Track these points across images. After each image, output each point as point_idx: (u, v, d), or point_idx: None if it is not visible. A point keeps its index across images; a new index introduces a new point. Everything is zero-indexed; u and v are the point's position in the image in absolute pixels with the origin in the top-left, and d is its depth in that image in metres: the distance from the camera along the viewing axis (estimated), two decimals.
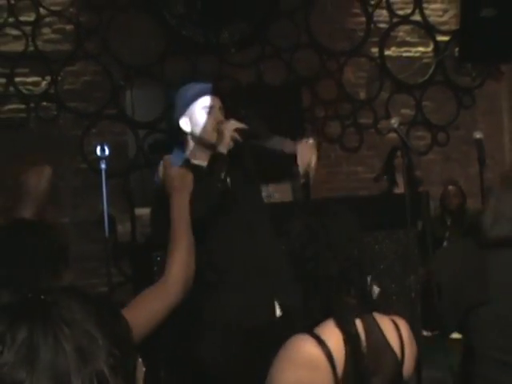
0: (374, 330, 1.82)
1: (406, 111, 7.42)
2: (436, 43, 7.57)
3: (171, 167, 2.06)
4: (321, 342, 1.72)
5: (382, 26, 7.43)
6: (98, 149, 4.76)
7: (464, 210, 6.61)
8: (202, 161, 3.09)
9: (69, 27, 6.71)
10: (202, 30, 6.98)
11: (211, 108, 3.15)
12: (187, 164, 3.03)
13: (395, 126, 4.74)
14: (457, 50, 7.50)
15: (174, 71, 6.87)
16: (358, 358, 1.74)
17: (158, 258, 4.68)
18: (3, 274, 1.67)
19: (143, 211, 5.79)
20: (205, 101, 3.16)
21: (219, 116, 3.15)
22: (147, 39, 6.83)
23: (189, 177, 2.03)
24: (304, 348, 1.73)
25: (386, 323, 1.86)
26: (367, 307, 1.85)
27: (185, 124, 3.19)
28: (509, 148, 7.83)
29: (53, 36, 6.73)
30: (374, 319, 1.84)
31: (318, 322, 1.77)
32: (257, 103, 6.19)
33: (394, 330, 1.87)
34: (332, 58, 7.26)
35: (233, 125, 3.09)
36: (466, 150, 7.12)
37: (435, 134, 7.57)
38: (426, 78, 7.56)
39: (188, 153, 3.17)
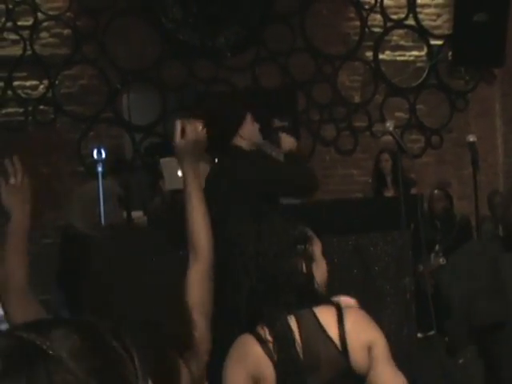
0: (309, 324, 1.89)
1: (400, 114, 7.49)
2: (429, 47, 7.65)
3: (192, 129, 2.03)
4: (261, 340, 1.88)
5: (377, 30, 7.50)
6: (95, 152, 4.80)
7: (451, 213, 6.66)
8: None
9: (66, 31, 6.77)
10: (197, 34, 7.03)
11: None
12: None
13: (390, 129, 4.81)
14: (450, 53, 7.58)
15: (170, 75, 6.94)
16: (288, 352, 1.86)
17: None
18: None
19: (140, 214, 5.86)
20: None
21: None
22: (144, 43, 6.89)
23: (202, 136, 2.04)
24: (248, 346, 1.90)
25: (327, 316, 1.91)
26: (306, 303, 1.92)
27: None
28: (502, 151, 7.90)
29: (50, 40, 6.79)
30: (313, 314, 1.91)
31: (259, 321, 1.92)
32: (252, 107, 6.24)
33: (336, 322, 1.90)
34: (327, 62, 7.33)
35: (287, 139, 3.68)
36: (460, 153, 7.18)
37: (429, 136, 7.64)
38: (419, 81, 7.63)
39: None
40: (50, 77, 6.69)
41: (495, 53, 7.42)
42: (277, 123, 5.65)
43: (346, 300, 2.06)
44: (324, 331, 1.89)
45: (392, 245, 5.23)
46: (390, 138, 4.82)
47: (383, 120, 6.61)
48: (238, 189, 3.40)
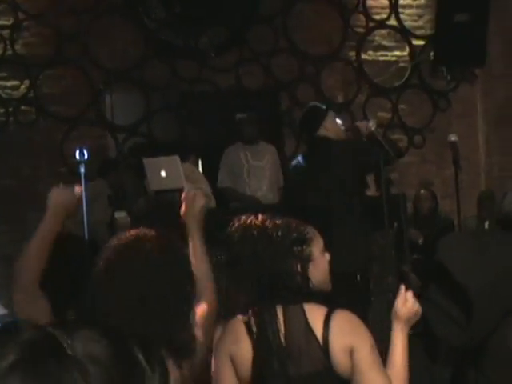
0: (295, 318, 1.97)
1: (383, 114, 7.52)
2: (411, 47, 7.69)
3: (199, 206, 2.27)
4: (247, 322, 2.01)
5: (359, 30, 7.53)
6: (78, 153, 4.78)
7: (436, 213, 6.71)
8: None
9: (48, 31, 6.73)
10: (181, 34, 7.03)
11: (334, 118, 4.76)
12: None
13: (373, 128, 4.85)
14: (432, 54, 7.63)
15: (153, 75, 6.92)
16: (271, 336, 1.96)
17: None
18: None
19: (124, 214, 5.85)
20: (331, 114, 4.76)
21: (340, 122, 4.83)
22: (127, 43, 6.87)
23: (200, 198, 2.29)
24: (232, 326, 2.05)
25: (315, 314, 1.99)
26: (298, 300, 2.00)
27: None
28: (483, 150, 7.96)
29: (32, 40, 6.75)
30: (302, 310, 1.98)
31: (248, 308, 2.04)
32: (236, 107, 6.26)
33: (322, 321, 1.97)
34: (310, 63, 7.35)
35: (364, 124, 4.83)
36: (442, 152, 7.22)
37: (411, 136, 7.68)
38: (402, 81, 7.67)
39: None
40: (31, 77, 6.65)
41: (476, 53, 7.48)
42: (238, 115, 5.87)
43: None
44: (309, 328, 1.96)
45: (375, 245, 5.26)
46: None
47: (366, 120, 6.63)
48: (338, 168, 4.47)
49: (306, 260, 2.04)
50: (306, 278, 2.02)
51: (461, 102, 7.89)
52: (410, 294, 2.01)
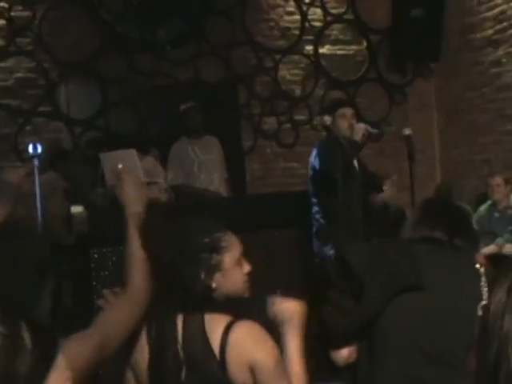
0: (194, 328, 1.87)
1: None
2: (369, 41, 7.76)
3: (135, 184, 2.02)
4: (148, 329, 1.93)
5: (317, 24, 7.57)
6: (31, 147, 4.70)
7: (387, 205, 6.79)
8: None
9: (0, 22, 6.61)
10: (137, 27, 6.96)
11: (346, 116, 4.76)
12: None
13: (328, 122, 4.88)
14: (388, 48, 7.71)
15: (110, 68, 6.85)
16: (165, 349, 1.88)
17: (96, 256, 4.68)
18: None
19: (80, 209, 5.78)
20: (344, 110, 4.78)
21: (352, 121, 4.74)
22: (82, 35, 6.77)
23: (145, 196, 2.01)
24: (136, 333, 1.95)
25: (215, 325, 1.87)
26: (200, 309, 1.90)
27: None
28: (438, 143, 8.08)
29: None
30: (202, 319, 1.88)
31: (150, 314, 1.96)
32: (194, 100, 6.22)
33: (221, 333, 1.85)
34: (268, 56, 7.36)
35: (363, 126, 4.69)
36: (398, 146, 7.28)
37: None
38: (359, 75, 7.74)
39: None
40: None
41: (431, 48, 7.58)
42: (183, 105, 5.85)
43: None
44: (206, 338, 1.85)
45: None
46: None
47: (323, 113, 6.67)
48: None
49: (213, 269, 1.92)
50: (209, 288, 1.91)
51: (417, 96, 8.00)
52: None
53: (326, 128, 4.87)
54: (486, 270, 2.09)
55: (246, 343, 1.84)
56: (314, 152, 4.80)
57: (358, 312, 2.09)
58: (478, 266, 2.11)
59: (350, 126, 4.71)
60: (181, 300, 1.90)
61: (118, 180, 2.05)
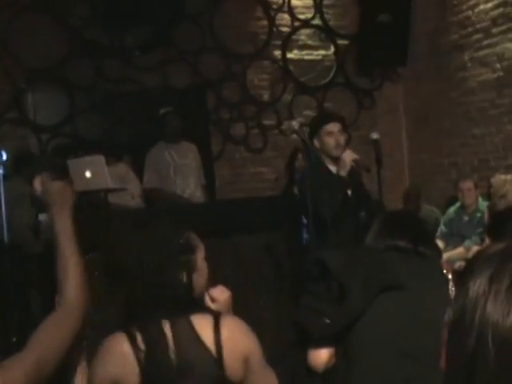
0: (183, 331, 1.86)
1: (309, 112, 7.59)
2: (336, 46, 7.81)
3: (51, 181, 1.88)
4: (132, 340, 1.85)
5: (284, 29, 7.60)
6: None
7: None
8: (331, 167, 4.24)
9: None
10: (105, 33, 6.92)
11: (333, 132, 4.26)
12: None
13: (296, 127, 4.88)
14: (356, 53, 7.76)
15: (77, 74, 6.80)
16: (160, 357, 1.84)
17: None
18: None
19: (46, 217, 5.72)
20: (329, 127, 4.28)
21: (339, 139, 4.27)
22: (49, 41, 6.71)
23: (69, 191, 1.86)
24: (115, 345, 1.88)
25: (203, 323, 1.89)
26: (183, 312, 1.89)
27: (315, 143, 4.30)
28: (406, 147, 8.15)
29: None
30: (189, 321, 1.88)
31: (135, 321, 1.91)
32: (162, 106, 6.21)
33: (212, 329, 1.88)
34: (236, 61, 7.36)
35: (350, 155, 4.20)
36: (368, 150, 7.24)
37: None
38: (327, 80, 7.78)
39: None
40: None
41: (399, 52, 7.66)
42: (162, 110, 5.82)
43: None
44: (198, 338, 1.86)
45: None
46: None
47: (292, 118, 6.70)
48: None
49: (192, 269, 1.94)
50: (191, 288, 1.93)
51: (385, 101, 8.06)
52: None
53: (296, 133, 4.84)
54: (452, 276, 2.15)
55: (238, 336, 1.90)
56: (299, 182, 4.44)
57: (341, 312, 2.12)
58: (445, 271, 2.19)
59: (338, 144, 4.28)
60: (164, 306, 1.87)
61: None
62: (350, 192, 4.23)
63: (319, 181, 4.01)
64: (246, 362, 1.90)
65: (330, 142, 4.28)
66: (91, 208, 5.27)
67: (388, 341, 2.11)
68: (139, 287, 1.89)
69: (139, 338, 1.85)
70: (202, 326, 1.88)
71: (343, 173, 4.19)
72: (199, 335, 1.86)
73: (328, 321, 2.11)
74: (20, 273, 5.42)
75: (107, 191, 5.11)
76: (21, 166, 6.02)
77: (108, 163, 5.88)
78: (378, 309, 2.12)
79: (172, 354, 1.85)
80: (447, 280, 2.16)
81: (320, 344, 2.22)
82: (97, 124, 6.98)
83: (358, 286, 2.10)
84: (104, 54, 6.86)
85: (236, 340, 1.89)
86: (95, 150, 5.61)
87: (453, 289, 2.11)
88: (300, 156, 6.29)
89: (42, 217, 5.72)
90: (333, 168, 4.29)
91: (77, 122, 6.93)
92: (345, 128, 4.42)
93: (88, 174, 5.14)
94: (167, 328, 1.87)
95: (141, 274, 1.89)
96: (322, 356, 2.21)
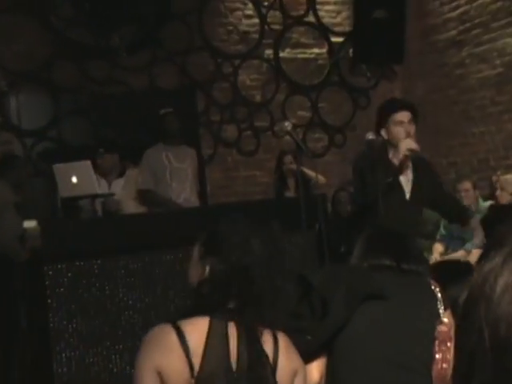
0: (248, 334, 1.89)
1: (303, 113, 7.39)
2: (330, 44, 7.59)
3: None
4: (179, 331, 1.84)
5: (276, 27, 7.38)
6: None
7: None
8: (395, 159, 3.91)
9: None
10: (90, 33, 6.71)
11: (403, 122, 3.87)
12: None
13: (288, 128, 4.67)
14: (351, 51, 7.55)
15: (62, 76, 6.59)
16: (220, 353, 1.84)
17: (50, 273, 4.45)
18: None
19: (33, 224, 5.52)
20: (399, 116, 3.89)
21: (409, 129, 3.86)
22: (33, 43, 6.51)
23: None
24: (161, 335, 1.87)
25: (265, 333, 1.93)
26: (250, 316, 1.90)
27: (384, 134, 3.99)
28: None
29: None
30: (253, 326, 1.90)
31: (189, 316, 1.90)
32: (150, 108, 6.00)
33: (272, 342, 1.92)
34: (226, 61, 7.15)
35: (407, 143, 3.79)
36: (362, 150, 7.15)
37: (332, 135, 7.58)
38: (321, 79, 7.56)
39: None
40: None
41: (395, 50, 7.44)
42: (162, 110, 5.61)
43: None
44: (261, 345, 1.90)
45: (295, 246, 5.11)
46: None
47: (285, 119, 6.48)
48: None
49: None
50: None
51: (381, 99, 7.80)
52: None
53: (288, 134, 4.62)
54: (440, 290, 2.16)
55: (291, 352, 1.96)
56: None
57: (322, 327, 2.14)
58: (433, 287, 2.18)
59: (408, 135, 3.84)
60: (232, 308, 1.89)
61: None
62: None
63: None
64: (293, 378, 1.95)
65: (400, 132, 3.86)
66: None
67: (373, 351, 2.13)
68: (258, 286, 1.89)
69: (190, 330, 1.84)
70: (265, 335, 1.91)
71: (395, 161, 3.86)
72: (261, 342, 1.89)
73: (309, 337, 2.13)
74: (6, 282, 5.31)
75: (94, 197, 5.02)
76: (4, 170, 5.82)
77: (126, 167, 5.78)
78: (363, 319, 2.14)
79: (233, 360, 1.86)
80: (434, 295, 2.17)
81: (308, 362, 2.20)
82: (82, 127, 6.78)
83: (339, 297, 2.12)
84: (89, 55, 6.66)
85: (290, 355, 1.95)
86: (113, 152, 5.67)
87: (441, 304, 2.14)
88: (288, 158, 6.08)
89: (28, 224, 5.55)
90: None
91: (62, 126, 6.72)
92: (416, 117, 3.96)
93: (74, 180, 5.03)
94: (233, 329, 1.87)
95: (261, 276, 1.90)
96: (313, 373, 2.20)
